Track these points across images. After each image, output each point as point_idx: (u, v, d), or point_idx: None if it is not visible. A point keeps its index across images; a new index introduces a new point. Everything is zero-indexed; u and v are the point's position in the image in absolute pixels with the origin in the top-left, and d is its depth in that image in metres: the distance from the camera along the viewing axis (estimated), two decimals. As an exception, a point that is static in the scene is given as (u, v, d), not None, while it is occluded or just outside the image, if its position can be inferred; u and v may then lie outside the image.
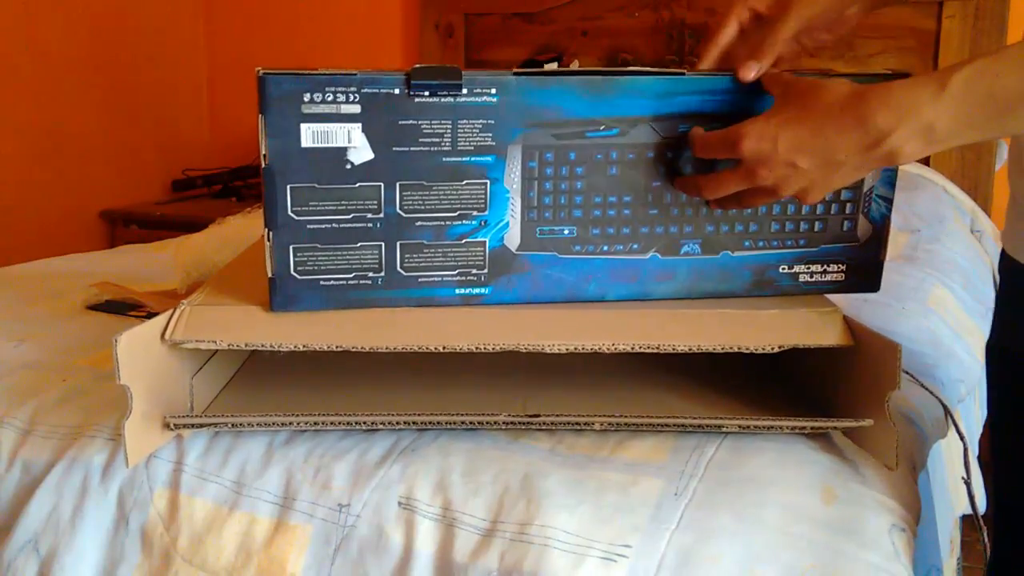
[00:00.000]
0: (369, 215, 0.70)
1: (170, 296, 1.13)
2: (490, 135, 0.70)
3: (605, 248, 0.75)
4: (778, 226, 0.76)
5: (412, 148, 0.69)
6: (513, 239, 0.73)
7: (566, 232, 0.74)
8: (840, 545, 0.62)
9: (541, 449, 0.71)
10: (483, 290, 0.74)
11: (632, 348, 0.70)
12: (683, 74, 0.71)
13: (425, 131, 0.69)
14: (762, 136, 0.64)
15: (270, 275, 0.71)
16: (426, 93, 0.68)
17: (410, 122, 0.68)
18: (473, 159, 0.70)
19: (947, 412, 0.77)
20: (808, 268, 0.78)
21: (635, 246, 0.75)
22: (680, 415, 0.71)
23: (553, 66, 2.12)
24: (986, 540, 0.68)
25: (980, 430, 1.35)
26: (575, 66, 2.14)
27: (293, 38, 2.53)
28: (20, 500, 0.76)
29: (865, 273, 0.79)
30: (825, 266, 0.78)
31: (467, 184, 0.71)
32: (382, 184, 0.70)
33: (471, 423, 0.71)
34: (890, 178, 0.76)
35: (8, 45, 2.10)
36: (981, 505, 0.87)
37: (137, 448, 0.68)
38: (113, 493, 0.73)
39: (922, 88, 0.59)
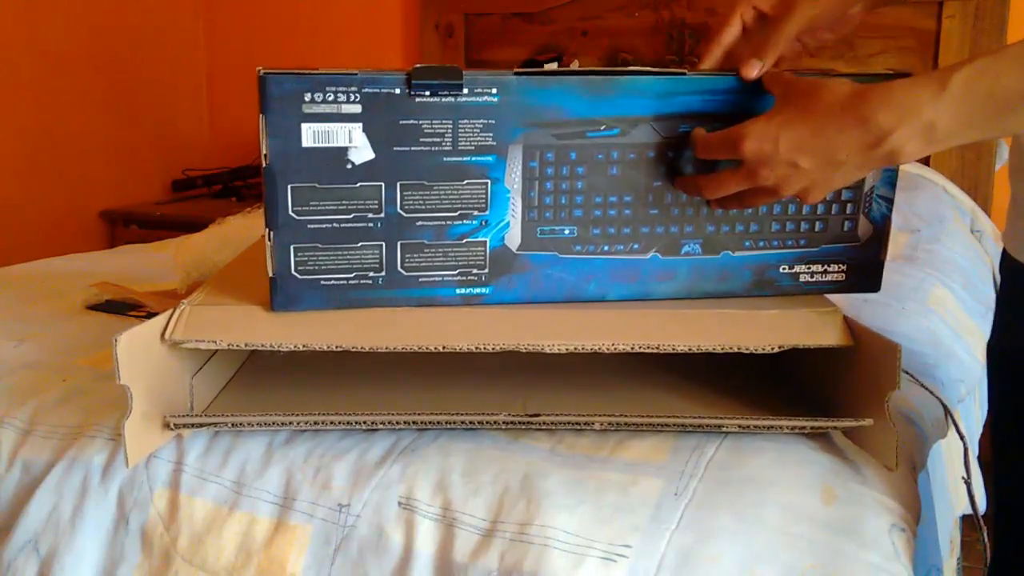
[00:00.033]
0: (370, 215, 0.70)
1: (170, 296, 1.13)
2: (491, 135, 0.70)
3: (606, 248, 0.75)
4: (779, 226, 0.76)
5: (413, 148, 0.69)
6: (514, 239, 0.73)
7: (567, 232, 0.74)
8: (840, 545, 0.62)
9: (541, 449, 0.71)
10: (484, 290, 0.74)
11: (632, 348, 0.70)
12: (684, 74, 0.71)
13: (426, 131, 0.69)
14: (763, 136, 0.64)
15: (271, 275, 0.71)
16: (427, 93, 0.68)
17: (411, 122, 0.68)
18: (474, 159, 0.70)
19: (947, 412, 0.77)
20: (809, 268, 0.78)
21: (635, 246, 0.75)
22: (680, 415, 0.71)
23: (553, 66, 2.12)
24: (986, 540, 0.68)
25: (980, 430, 1.35)
26: (575, 66, 2.14)
27: (293, 38, 2.53)
28: (20, 500, 0.76)
29: (865, 273, 0.79)
30: (826, 266, 0.78)
31: (468, 184, 0.71)
32: (383, 184, 0.70)
33: (471, 423, 0.71)
34: (891, 178, 0.76)
35: (8, 45, 2.10)
36: (981, 505, 0.87)
37: (137, 448, 0.68)
38: (113, 493, 0.73)
39: (923, 87, 0.59)
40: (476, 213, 0.72)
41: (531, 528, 0.63)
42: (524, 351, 0.70)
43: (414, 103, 0.68)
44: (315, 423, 0.71)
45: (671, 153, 0.72)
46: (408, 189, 0.70)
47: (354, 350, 0.69)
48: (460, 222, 0.72)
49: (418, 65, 0.67)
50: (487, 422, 0.71)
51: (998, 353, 0.87)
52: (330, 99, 0.67)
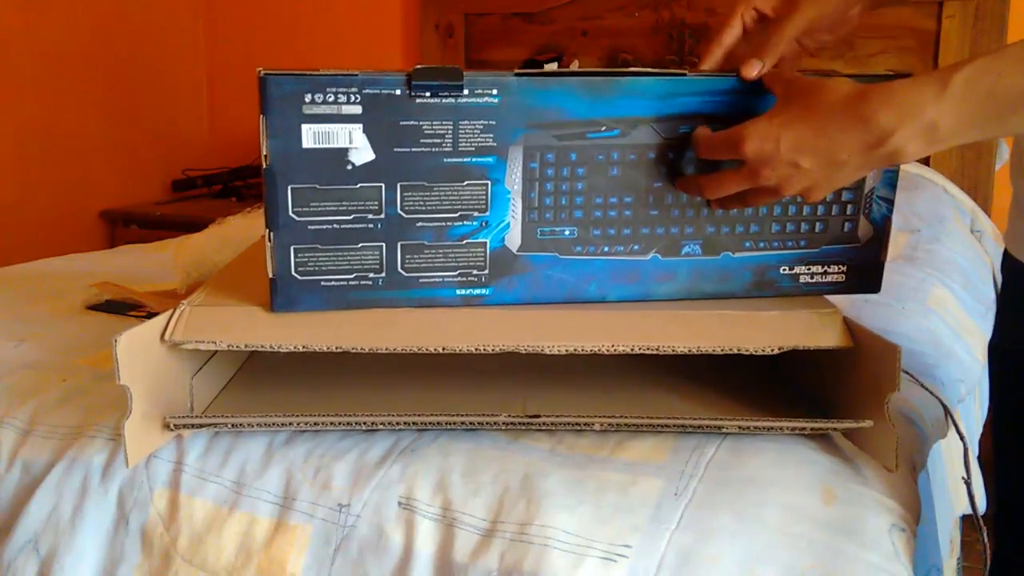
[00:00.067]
0: (370, 216, 0.70)
1: (170, 296, 1.13)
2: (491, 136, 0.70)
3: (606, 249, 0.75)
4: (779, 227, 0.76)
5: (413, 149, 0.69)
6: (514, 240, 0.73)
7: (567, 233, 0.74)
8: (840, 545, 0.62)
9: (541, 449, 0.71)
10: (484, 291, 0.74)
11: (632, 349, 0.70)
12: (684, 75, 0.71)
13: (426, 132, 0.69)
14: (765, 137, 0.64)
15: (271, 276, 0.71)
16: (427, 94, 0.68)
17: (411, 123, 0.68)
18: (474, 160, 0.70)
19: (947, 412, 0.77)
20: (809, 269, 0.78)
21: (636, 247, 0.75)
22: (680, 416, 0.71)
23: (553, 66, 2.12)
24: (986, 540, 0.68)
25: (980, 430, 1.35)
26: (575, 66, 2.15)
27: (293, 38, 2.53)
28: (20, 500, 0.76)
29: (866, 274, 0.79)
30: (826, 267, 0.78)
31: (468, 185, 0.71)
32: (383, 185, 0.70)
33: (471, 423, 0.71)
34: (891, 179, 0.76)
35: (8, 45, 2.10)
36: (981, 505, 0.87)
37: (137, 448, 0.68)
38: (113, 493, 0.73)
39: (924, 87, 0.59)
40: (476, 214, 0.72)
41: (531, 528, 0.63)
42: (524, 352, 0.70)
43: (414, 104, 0.68)
44: (315, 424, 0.71)
45: (671, 154, 0.72)
46: (408, 190, 0.70)
47: (354, 351, 0.69)
48: (460, 223, 0.72)
49: (418, 66, 0.67)
50: (487, 423, 0.71)
51: (999, 353, 0.87)
52: (330, 100, 0.67)
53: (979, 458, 1.26)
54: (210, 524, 0.70)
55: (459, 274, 0.73)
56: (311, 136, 0.67)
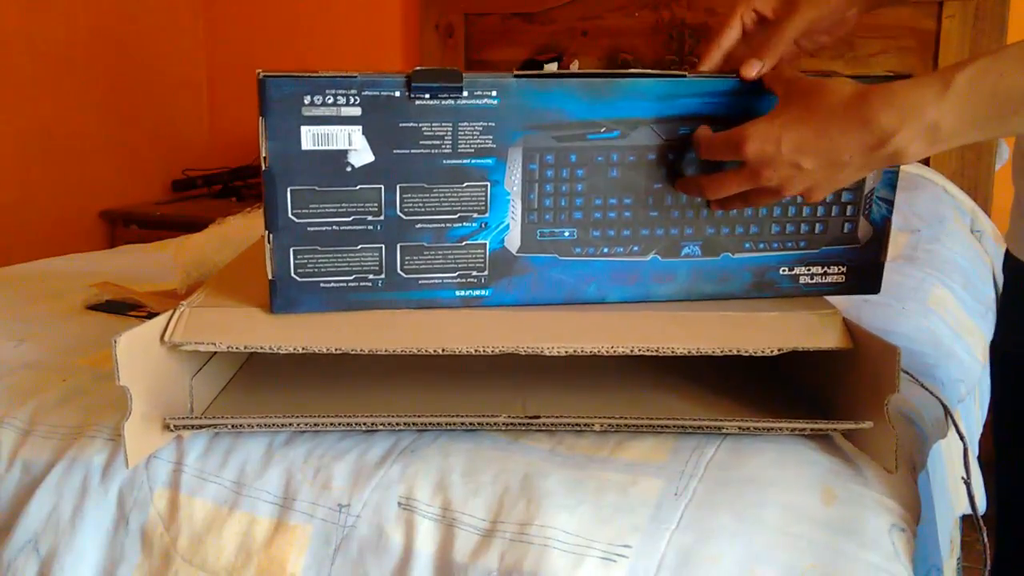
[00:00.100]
0: (369, 217, 0.70)
1: (170, 296, 1.13)
2: (491, 137, 0.70)
3: (605, 250, 0.75)
4: (778, 228, 0.76)
5: (413, 150, 0.69)
6: (513, 241, 0.73)
7: (566, 234, 0.74)
8: (840, 545, 0.62)
9: (541, 449, 0.71)
10: (483, 292, 0.74)
11: (632, 350, 0.70)
12: (684, 76, 0.71)
13: (425, 133, 0.69)
14: (766, 138, 0.64)
15: (270, 277, 0.71)
16: (427, 95, 0.68)
17: (411, 124, 0.68)
18: (474, 161, 0.70)
19: (947, 412, 0.77)
20: (808, 270, 0.78)
21: (635, 248, 0.75)
22: (680, 417, 0.71)
23: (553, 66, 2.12)
24: (986, 540, 0.68)
25: (980, 430, 1.35)
26: (575, 66, 2.15)
27: (293, 38, 2.53)
28: (20, 500, 0.76)
29: (865, 275, 0.79)
30: (825, 268, 0.78)
31: (468, 186, 0.71)
32: (382, 186, 0.70)
33: (471, 424, 0.71)
34: (891, 180, 0.76)
35: (8, 45, 2.11)
36: (981, 505, 0.87)
37: (137, 449, 0.68)
38: (113, 493, 0.73)
39: (926, 88, 0.59)
40: (476, 215, 0.72)
41: (531, 528, 0.63)
42: (524, 353, 0.70)
43: (414, 106, 0.68)
44: (315, 424, 0.71)
45: (671, 155, 0.72)
46: (408, 192, 0.70)
47: (354, 352, 0.69)
48: (460, 224, 0.72)
49: (418, 68, 0.67)
50: (487, 424, 0.71)
51: (1001, 353, 0.87)
52: (329, 102, 0.67)
53: (979, 458, 1.26)
54: (210, 524, 0.70)
55: (459, 275, 0.73)
56: (310, 138, 0.67)
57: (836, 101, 0.62)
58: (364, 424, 0.71)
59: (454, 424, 0.71)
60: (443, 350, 0.69)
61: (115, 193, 2.40)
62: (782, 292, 0.78)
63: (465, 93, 0.68)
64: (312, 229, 0.70)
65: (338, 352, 0.69)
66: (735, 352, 0.70)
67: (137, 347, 0.66)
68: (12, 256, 1.76)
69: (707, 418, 0.72)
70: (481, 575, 0.63)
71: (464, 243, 0.72)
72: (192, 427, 0.72)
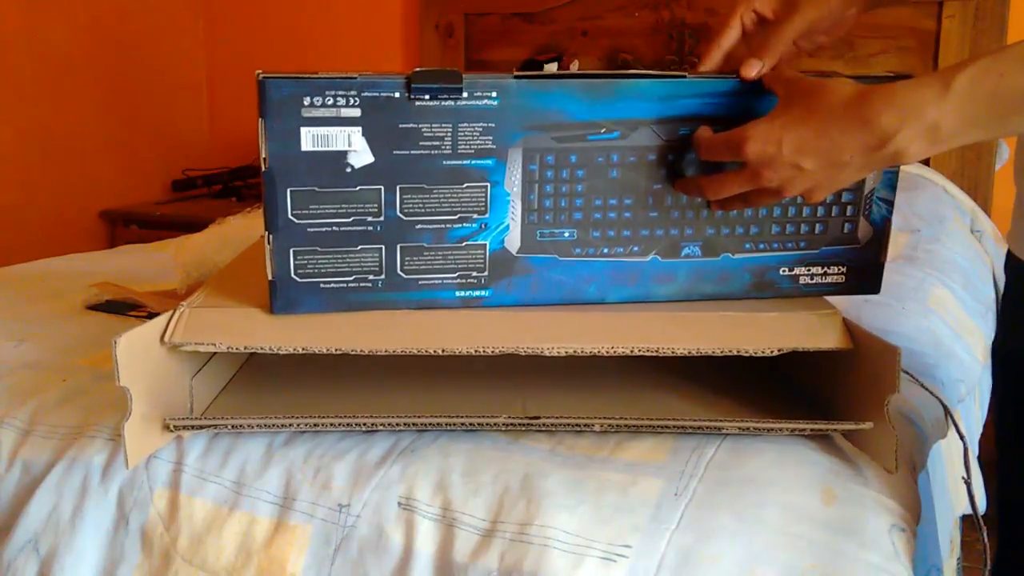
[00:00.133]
0: (369, 218, 0.70)
1: (170, 296, 1.13)
2: (491, 138, 0.70)
3: (605, 250, 0.75)
4: (778, 228, 0.76)
5: (412, 151, 0.69)
6: (513, 242, 0.73)
7: (566, 235, 0.74)
8: (840, 545, 0.62)
9: (541, 449, 0.71)
10: (483, 292, 0.74)
11: (632, 351, 0.70)
12: (684, 77, 0.71)
13: (425, 134, 0.69)
14: (766, 138, 0.64)
15: (270, 278, 0.71)
16: (426, 96, 0.68)
17: (410, 125, 0.68)
18: (474, 162, 0.70)
19: (947, 412, 0.77)
20: (808, 270, 0.78)
21: (635, 248, 0.75)
22: (680, 417, 0.71)
23: (553, 66, 2.12)
24: (986, 540, 0.68)
25: (980, 430, 1.35)
26: (575, 66, 2.15)
27: (293, 38, 2.53)
28: (20, 500, 0.76)
29: (865, 275, 0.79)
30: (825, 268, 0.78)
31: (468, 187, 0.71)
32: (382, 187, 0.70)
33: (471, 425, 0.71)
34: (891, 180, 0.76)
35: (8, 45, 2.11)
36: (981, 505, 0.87)
37: (137, 449, 0.68)
38: (113, 493, 0.73)
39: (926, 88, 0.59)
40: (476, 216, 0.72)
41: (531, 528, 0.63)
42: (524, 353, 0.70)
43: (413, 107, 0.68)
44: (315, 424, 0.71)
45: (671, 156, 0.73)
46: (408, 192, 0.70)
47: (354, 353, 0.70)
48: (460, 225, 0.72)
49: (418, 69, 0.67)
50: (487, 424, 0.71)
51: (1002, 353, 0.87)
52: (329, 103, 0.67)
53: (979, 458, 1.26)
54: (210, 524, 0.70)
55: (459, 276, 0.73)
56: (310, 139, 0.67)
57: (836, 101, 0.62)
58: (364, 424, 0.71)
59: (454, 424, 0.71)
60: (443, 350, 0.69)
61: (115, 193, 2.40)
62: (782, 292, 0.78)
63: (465, 94, 0.68)
64: (312, 230, 0.70)
65: (338, 352, 0.70)
66: (735, 352, 0.70)
67: (137, 347, 0.66)
68: (12, 256, 1.76)
69: (707, 418, 0.72)
70: (481, 575, 0.63)
71: (464, 244, 0.72)
72: (192, 427, 0.72)
